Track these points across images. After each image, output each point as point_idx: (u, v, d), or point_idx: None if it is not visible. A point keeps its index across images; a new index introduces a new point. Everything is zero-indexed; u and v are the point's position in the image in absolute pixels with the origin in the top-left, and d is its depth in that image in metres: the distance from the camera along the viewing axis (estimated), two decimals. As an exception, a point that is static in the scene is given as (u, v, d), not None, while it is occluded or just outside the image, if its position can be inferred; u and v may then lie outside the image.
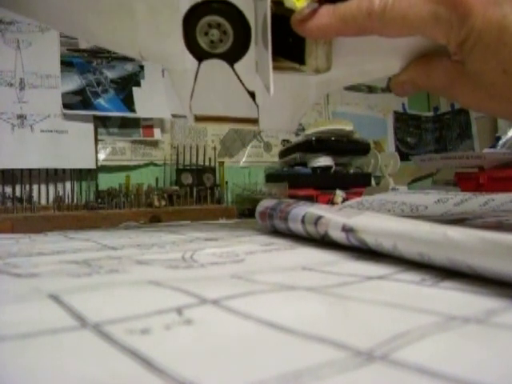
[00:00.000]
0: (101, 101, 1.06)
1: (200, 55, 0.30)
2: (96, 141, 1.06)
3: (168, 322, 0.14)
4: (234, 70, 0.30)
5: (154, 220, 0.93)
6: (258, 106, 0.32)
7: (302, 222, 0.29)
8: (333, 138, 1.06)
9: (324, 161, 1.05)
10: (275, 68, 0.28)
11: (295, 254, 0.27)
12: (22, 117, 0.98)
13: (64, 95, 1.02)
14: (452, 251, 0.18)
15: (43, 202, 0.99)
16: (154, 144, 1.15)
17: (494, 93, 0.26)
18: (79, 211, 0.95)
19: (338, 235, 0.26)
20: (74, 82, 1.04)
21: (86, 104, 1.04)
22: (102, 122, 1.08)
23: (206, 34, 0.29)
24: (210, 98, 0.33)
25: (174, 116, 1.13)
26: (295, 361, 0.11)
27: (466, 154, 0.88)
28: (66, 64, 1.04)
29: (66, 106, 1.02)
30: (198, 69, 0.30)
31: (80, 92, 1.04)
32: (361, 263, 0.23)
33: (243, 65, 0.29)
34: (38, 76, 1.01)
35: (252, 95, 0.31)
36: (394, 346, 0.12)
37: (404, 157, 1.27)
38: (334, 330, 0.13)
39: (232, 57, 0.30)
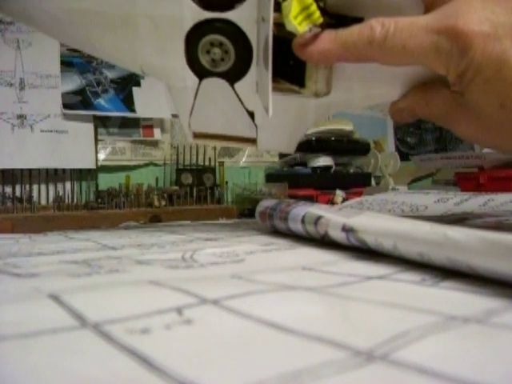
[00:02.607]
0: (101, 101, 1.06)
1: (201, 73, 0.30)
2: (96, 141, 1.05)
3: (168, 321, 0.14)
4: (234, 89, 0.30)
5: (154, 220, 0.93)
6: (256, 126, 0.32)
7: (302, 221, 0.29)
8: (333, 138, 1.05)
9: (324, 161, 1.05)
10: (275, 89, 0.28)
11: (295, 254, 0.27)
12: (21, 117, 0.98)
13: (64, 95, 1.02)
14: (452, 251, 0.18)
15: (43, 202, 0.99)
16: (154, 144, 1.15)
17: (491, 125, 0.26)
18: (79, 211, 0.95)
19: (338, 235, 0.26)
20: (73, 82, 1.04)
21: (86, 104, 1.04)
22: (102, 122, 1.08)
23: (208, 52, 0.29)
24: (210, 115, 0.33)
25: (174, 116, 1.13)
26: (295, 361, 0.11)
27: (465, 154, 0.88)
28: (66, 64, 1.04)
29: (65, 106, 1.02)
30: (198, 86, 0.31)
31: (80, 92, 1.04)
32: (361, 263, 0.23)
33: (243, 84, 0.30)
34: (37, 76, 1.01)
35: (251, 115, 0.31)
36: (393, 346, 0.12)
37: (404, 157, 1.27)
38: (333, 329, 0.13)
39: (233, 76, 0.30)
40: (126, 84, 1.09)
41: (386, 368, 0.10)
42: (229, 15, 0.27)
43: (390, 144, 1.61)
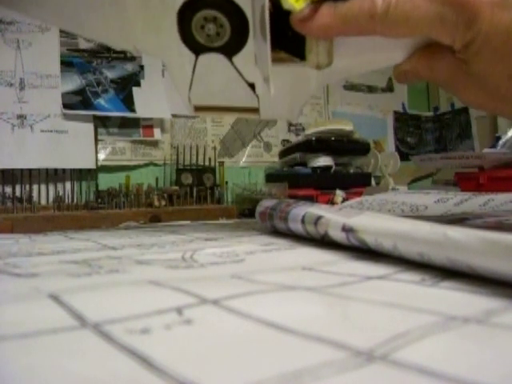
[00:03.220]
0: (101, 101, 1.06)
1: (197, 49, 0.29)
2: (96, 141, 1.05)
3: (168, 321, 0.14)
4: (232, 62, 0.29)
5: (154, 220, 0.93)
6: (258, 96, 0.31)
7: (302, 221, 0.29)
8: (333, 138, 1.05)
9: (324, 161, 1.05)
10: (275, 59, 0.27)
11: (295, 254, 0.27)
12: (21, 117, 0.98)
13: (64, 95, 1.02)
14: (452, 251, 0.18)
15: (43, 202, 0.99)
16: (154, 144, 1.15)
17: (499, 95, 0.26)
18: (79, 211, 0.95)
19: (338, 235, 0.26)
20: (73, 82, 1.04)
21: (86, 104, 1.04)
22: (101, 122, 1.08)
23: (203, 27, 0.28)
24: (209, 89, 0.33)
25: (174, 116, 1.13)
26: (295, 361, 0.11)
27: (465, 154, 0.88)
28: (66, 64, 1.04)
29: (65, 106, 1.02)
30: (195, 62, 0.30)
31: (80, 92, 1.04)
32: (361, 263, 0.23)
33: (242, 57, 0.29)
34: (37, 76, 1.01)
35: (252, 86, 0.31)
36: (393, 346, 0.12)
37: (404, 157, 1.27)
38: (333, 329, 0.13)
39: (230, 50, 0.29)
40: (126, 84, 1.09)
41: (386, 368, 0.10)
42: None
43: (390, 144, 1.61)
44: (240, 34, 0.28)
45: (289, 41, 0.28)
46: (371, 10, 0.25)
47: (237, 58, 0.29)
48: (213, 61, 0.30)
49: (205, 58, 0.30)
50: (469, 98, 0.28)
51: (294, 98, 0.34)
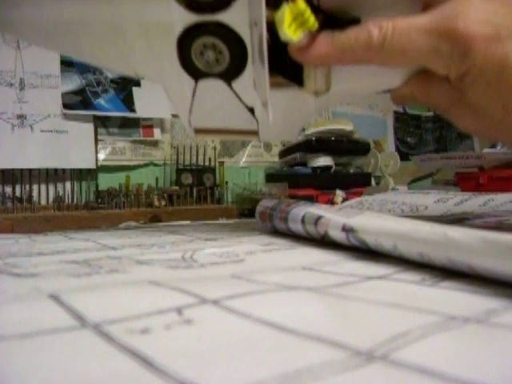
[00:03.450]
0: (101, 101, 1.06)
1: (196, 75, 0.30)
2: (96, 141, 1.05)
3: (168, 322, 0.14)
4: (231, 87, 0.30)
5: (154, 220, 0.93)
6: (257, 120, 0.32)
7: (302, 221, 0.29)
8: (333, 138, 1.05)
9: (324, 161, 1.05)
10: (274, 84, 0.28)
11: (295, 253, 0.27)
12: (21, 117, 0.98)
13: (64, 95, 1.02)
14: (452, 251, 0.18)
15: (43, 202, 0.99)
16: (154, 144, 1.15)
17: (493, 123, 0.26)
18: (79, 211, 0.95)
19: (337, 235, 0.26)
20: (73, 82, 1.04)
21: (86, 104, 1.04)
22: (101, 122, 1.08)
23: (202, 54, 0.28)
24: (209, 112, 0.33)
25: (174, 116, 1.13)
26: (295, 361, 0.11)
27: (465, 154, 0.88)
28: (66, 64, 1.04)
29: (65, 106, 1.02)
30: (195, 87, 0.30)
31: (80, 92, 1.04)
32: (361, 263, 0.23)
33: (241, 82, 0.29)
34: (37, 76, 1.01)
35: (251, 110, 0.31)
36: (393, 346, 0.12)
37: (404, 157, 1.27)
38: (333, 330, 0.13)
39: (229, 75, 0.29)
40: (126, 84, 1.09)
41: (386, 368, 0.10)
42: (219, 17, 0.26)
43: (390, 144, 1.61)
44: (239, 60, 0.28)
45: (287, 67, 0.28)
46: (368, 41, 0.25)
47: (236, 83, 0.29)
48: (212, 86, 0.30)
49: (204, 83, 0.30)
50: (465, 125, 0.28)
51: (293, 121, 0.35)
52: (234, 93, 0.30)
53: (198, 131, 0.35)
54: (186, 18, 0.27)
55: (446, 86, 0.27)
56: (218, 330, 0.13)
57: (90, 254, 0.26)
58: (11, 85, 0.98)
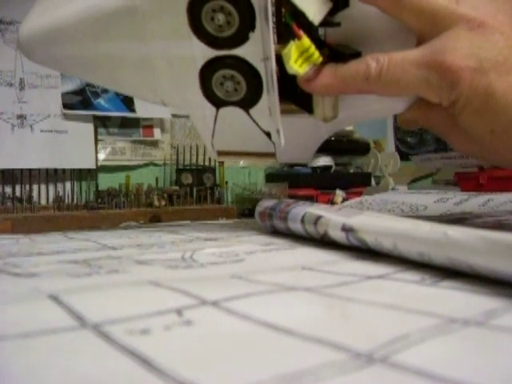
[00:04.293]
0: (101, 101, 1.06)
1: (217, 103, 0.33)
2: (96, 141, 1.05)
3: (168, 322, 0.14)
4: (249, 114, 0.33)
5: (154, 220, 0.93)
6: (274, 143, 0.34)
7: (302, 221, 0.29)
8: (333, 138, 1.05)
9: (324, 161, 1.05)
10: (287, 111, 0.31)
11: (295, 253, 0.27)
12: (21, 117, 0.98)
13: (64, 95, 1.02)
14: (452, 251, 0.18)
15: (43, 202, 0.99)
16: (154, 144, 1.15)
17: (483, 146, 0.29)
18: (79, 211, 0.95)
19: (337, 235, 0.26)
20: (73, 82, 1.04)
21: (86, 104, 1.04)
22: (101, 122, 1.08)
23: (222, 84, 0.31)
24: (230, 137, 0.36)
25: (173, 116, 1.13)
26: (295, 362, 0.11)
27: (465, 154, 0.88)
28: (66, 64, 1.04)
29: (65, 106, 1.02)
30: (216, 114, 0.34)
31: (80, 92, 1.04)
32: (361, 263, 0.23)
33: (258, 109, 0.32)
34: (37, 76, 1.01)
35: (268, 134, 0.34)
36: (393, 349, 0.12)
37: (404, 157, 1.27)
38: (333, 331, 0.13)
39: (247, 103, 0.32)
40: (126, 84, 1.09)
41: (385, 370, 0.10)
42: (236, 52, 0.30)
43: (390, 144, 1.61)
44: (255, 90, 0.31)
45: (298, 96, 0.31)
46: (366, 72, 0.28)
47: (253, 110, 0.33)
48: (232, 113, 0.33)
49: (225, 111, 0.33)
50: (460, 147, 0.31)
51: (308, 143, 0.39)
52: (252, 119, 0.33)
53: (220, 153, 0.38)
54: (206, 52, 0.30)
55: (443, 112, 0.29)
56: (218, 330, 0.13)
57: (90, 254, 0.26)
58: (11, 85, 0.98)
